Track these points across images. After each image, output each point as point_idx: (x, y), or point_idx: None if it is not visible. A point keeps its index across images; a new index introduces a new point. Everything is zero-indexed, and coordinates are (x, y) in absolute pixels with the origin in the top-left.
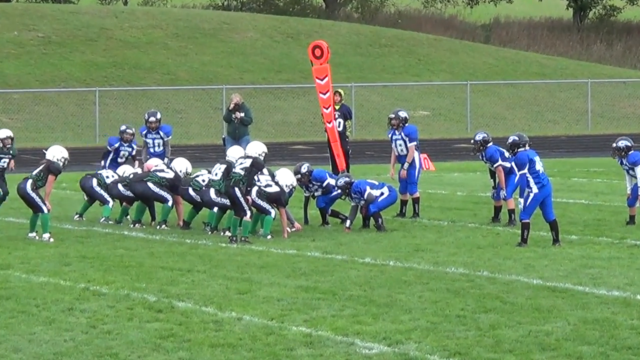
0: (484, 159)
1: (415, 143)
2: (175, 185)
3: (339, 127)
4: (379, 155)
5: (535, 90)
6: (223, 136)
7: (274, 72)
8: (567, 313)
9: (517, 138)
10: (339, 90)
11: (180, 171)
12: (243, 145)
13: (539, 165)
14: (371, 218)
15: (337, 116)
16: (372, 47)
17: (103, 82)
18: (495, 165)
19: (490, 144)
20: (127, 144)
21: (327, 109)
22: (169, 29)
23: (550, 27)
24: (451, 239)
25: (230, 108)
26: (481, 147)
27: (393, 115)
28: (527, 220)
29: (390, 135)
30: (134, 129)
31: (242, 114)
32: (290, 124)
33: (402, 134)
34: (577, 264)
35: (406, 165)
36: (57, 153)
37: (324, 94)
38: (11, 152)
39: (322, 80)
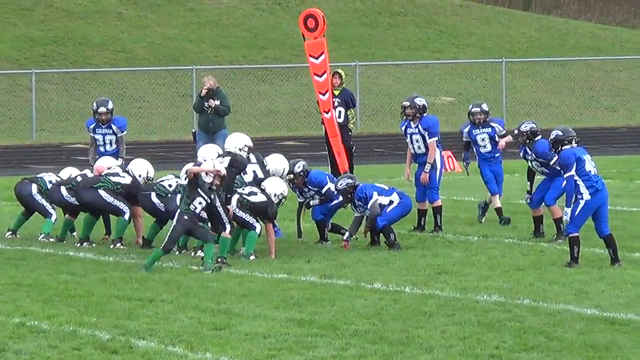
0: (529, 155)
1: (436, 138)
2: (132, 194)
3: (339, 117)
4: (391, 153)
5: (588, 70)
6: (193, 130)
7: (257, 48)
8: (629, 351)
9: (561, 133)
10: (339, 71)
11: (140, 175)
12: (219, 142)
13: (589, 166)
14: (381, 233)
15: (336, 104)
16: (381, 16)
17: (41, 62)
18: (552, 162)
19: (540, 137)
20: (105, 125)
21: (324, 95)
22: None
23: None
24: (483, 258)
25: (202, 95)
26: (527, 140)
27: (408, 103)
28: (576, 234)
29: (403, 128)
30: (111, 105)
31: (217, 102)
32: (278, 114)
33: (420, 126)
34: None
35: (427, 167)
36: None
37: (320, 76)
38: None
39: (317, 58)
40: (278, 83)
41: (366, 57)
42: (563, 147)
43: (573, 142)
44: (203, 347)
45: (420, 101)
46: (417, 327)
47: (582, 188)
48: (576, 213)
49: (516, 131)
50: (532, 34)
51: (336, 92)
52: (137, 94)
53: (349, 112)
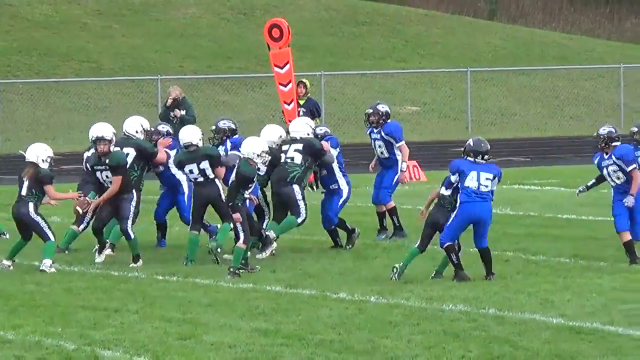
0: (605, 161)
1: (403, 142)
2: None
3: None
4: (356, 163)
5: (553, 79)
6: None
7: (222, 58)
8: None
9: (472, 143)
10: (304, 80)
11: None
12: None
13: (470, 182)
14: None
15: (301, 113)
16: (346, 26)
17: (5, 72)
18: (630, 168)
19: (618, 142)
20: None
21: (289, 104)
22: (89, 4)
23: None
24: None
25: (167, 104)
26: (606, 145)
27: (371, 110)
28: (450, 244)
29: (368, 133)
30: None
31: (183, 112)
32: (243, 124)
33: (382, 132)
34: (607, 297)
35: (404, 165)
36: (40, 153)
37: (285, 86)
38: None
39: (281, 68)
40: (243, 93)
41: (331, 67)
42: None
43: (474, 157)
44: (168, 357)
45: (382, 107)
46: (383, 336)
47: (458, 200)
48: (449, 224)
49: (597, 134)
50: (498, 43)
51: (301, 102)
52: (102, 104)
53: (314, 122)
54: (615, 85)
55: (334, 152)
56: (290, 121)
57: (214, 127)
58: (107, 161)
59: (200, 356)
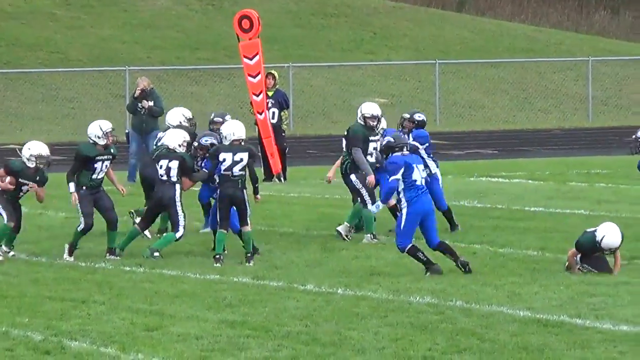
0: None
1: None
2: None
3: (272, 118)
4: (323, 155)
5: (521, 72)
6: (127, 130)
7: (190, 49)
8: (561, 353)
9: (392, 140)
10: (273, 72)
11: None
12: (151, 143)
13: (417, 175)
14: None
15: (270, 105)
16: (314, 17)
17: None
18: None
19: None
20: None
21: (257, 95)
22: None
23: None
24: (416, 260)
25: (135, 95)
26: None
27: (408, 116)
28: (410, 245)
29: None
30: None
31: (151, 103)
32: (210, 116)
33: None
34: (574, 291)
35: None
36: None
37: (254, 77)
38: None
39: (251, 59)
40: (211, 84)
41: (299, 58)
42: (393, 154)
43: (404, 150)
44: (135, 348)
45: (419, 117)
46: (350, 328)
47: (403, 197)
48: (402, 226)
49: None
50: (466, 35)
51: (270, 93)
52: (70, 94)
53: (282, 113)
54: (584, 78)
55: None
56: (258, 112)
57: (196, 143)
58: (112, 150)
59: (167, 347)
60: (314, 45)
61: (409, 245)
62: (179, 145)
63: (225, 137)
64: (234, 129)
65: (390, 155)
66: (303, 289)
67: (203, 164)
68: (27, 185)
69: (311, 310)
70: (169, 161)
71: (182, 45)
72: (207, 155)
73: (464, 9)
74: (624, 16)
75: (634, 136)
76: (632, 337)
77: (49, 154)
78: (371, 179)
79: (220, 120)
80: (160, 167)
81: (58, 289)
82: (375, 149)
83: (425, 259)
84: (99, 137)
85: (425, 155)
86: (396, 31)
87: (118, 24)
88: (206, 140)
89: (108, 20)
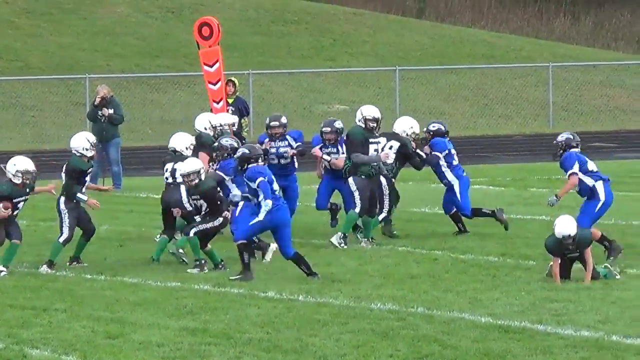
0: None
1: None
2: None
3: (233, 126)
4: None
5: (482, 78)
6: None
7: (150, 57)
8: (523, 359)
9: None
10: (233, 79)
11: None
12: (112, 150)
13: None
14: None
15: (230, 112)
16: (274, 25)
17: None
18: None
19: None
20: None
21: (218, 103)
22: (17, 3)
23: None
24: (376, 266)
25: (95, 103)
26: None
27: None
28: (244, 241)
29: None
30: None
31: (111, 111)
32: (171, 123)
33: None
34: (536, 296)
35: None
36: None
37: (214, 84)
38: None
39: (211, 66)
40: (171, 91)
41: (260, 66)
42: (249, 165)
43: (259, 161)
44: (97, 356)
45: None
46: (311, 335)
47: (262, 204)
48: (251, 223)
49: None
50: (426, 42)
51: (230, 100)
52: (30, 102)
53: (242, 120)
54: (544, 83)
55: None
56: None
57: (216, 144)
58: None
59: (129, 355)
60: (274, 52)
61: (242, 241)
62: (186, 148)
63: None
64: None
65: (246, 166)
66: (264, 296)
67: (218, 166)
68: (22, 201)
69: (272, 317)
70: (174, 164)
71: (142, 52)
72: (227, 156)
73: (423, 16)
74: (584, 22)
75: (554, 141)
76: (593, 343)
77: (34, 169)
78: (384, 155)
79: (277, 124)
80: (166, 170)
81: (19, 297)
82: (376, 150)
83: (247, 262)
84: (87, 149)
85: (444, 164)
86: (356, 38)
87: (78, 32)
88: (226, 142)
89: (68, 28)
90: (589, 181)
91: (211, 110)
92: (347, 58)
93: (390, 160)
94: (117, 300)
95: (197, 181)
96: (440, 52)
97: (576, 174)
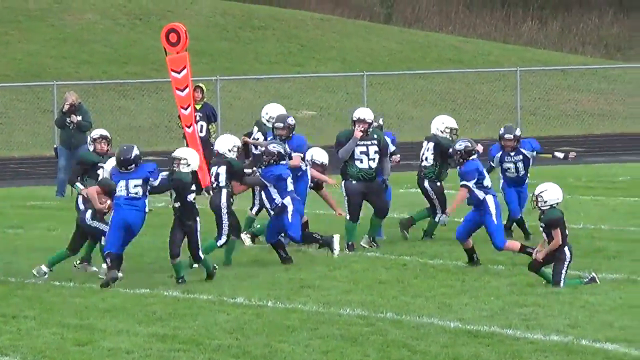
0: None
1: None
2: None
3: (200, 132)
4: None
5: (449, 82)
6: (55, 146)
7: (118, 63)
8: None
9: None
10: (201, 85)
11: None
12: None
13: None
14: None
15: (198, 118)
16: (242, 31)
17: None
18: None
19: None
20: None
21: (185, 109)
22: None
23: (468, 1)
24: (345, 272)
25: (64, 110)
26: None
27: (511, 136)
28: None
29: (499, 160)
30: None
31: (79, 118)
32: (139, 129)
33: (523, 150)
34: (505, 301)
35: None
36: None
37: (182, 91)
38: None
39: (179, 73)
40: (139, 98)
41: (227, 72)
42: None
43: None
44: None
45: (519, 131)
46: (280, 341)
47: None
48: (109, 227)
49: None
50: (394, 47)
51: (198, 107)
52: None
53: (210, 127)
54: (512, 88)
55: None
56: (187, 126)
57: (263, 149)
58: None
59: None
60: (242, 58)
61: (108, 251)
62: (229, 150)
63: None
64: None
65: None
66: (233, 302)
67: (261, 172)
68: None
69: (241, 324)
70: (218, 167)
71: (110, 59)
72: (273, 162)
73: (391, 21)
74: (552, 26)
75: (451, 149)
76: (562, 347)
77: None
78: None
79: (282, 125)
80: (211, 174)
81: None
82: (362, 152)
83: (112, 266)
84: (89, 144)
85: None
86: (324, 43)
87: (45, 39)
88: (274, 148)
89: (35, 35)
90: (480, 194)
91: (179, 117)
92: (315, 64)
93: (429, 161)
94: (87, 307)
95: (184, 169)
96: (408, 57)
97: (467, 186)
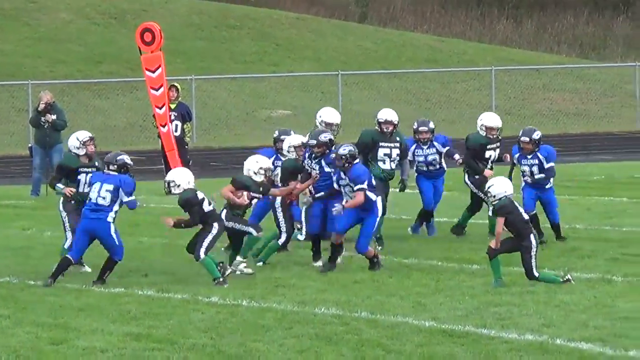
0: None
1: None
2: None
3: (175, 131)
4: (227, 167)
5: (424, 82)
6: (30, 145)
7: (93, 62)
8: None
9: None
10: (176, 84)
11: None
12: (55, 156)
13: (93, 194)
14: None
15: (173, 117)
16: (217, 30)
17: None
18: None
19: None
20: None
21: (160, 108)
22: None
23: (443, 0)
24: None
25: (39, 109)
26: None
27: (527, 139)
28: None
29: (517, 159)
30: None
31: (54, 117)
32: (114, 129)
33: (540, 155)
34: (479, 300)
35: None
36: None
37: (157, 90)
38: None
39: (153, 72)
40: (114, 97)
41: (202, 71)
42: None
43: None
44: None
45: (537, 135)
46: (255, 340)
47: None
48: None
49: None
50: (369, 46)
51: (172, 106)
52: None
53: (185, 126)
54: (487, 87)
55: None
56: (161, 125)
57: (314, 142)
58: (96, 163)
59: None
60: (217, 57)
61: (69, 256)
62: (255, 173)
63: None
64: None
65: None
66: (208, 302)
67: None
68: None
69: (216, 323)
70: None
71: (85, 58)
72: (347, 165)
73: (366, 20)
74: (527, 26)
75: (337, 153)
76: (537, 347)
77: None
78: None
79: (314, 142)
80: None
81: None
82: (386, 155)
83: (58, 271)
84: (78, 148)
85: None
86: (299, 43)
87: (20, 38)
88: (344, 149)
89: (10, 34)
90: (372, 196)
91: (154, 116)
92: (290, 63)
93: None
94: (61, 306)
95: (175, 191)
96: (383, 57)
97: (365, 189)
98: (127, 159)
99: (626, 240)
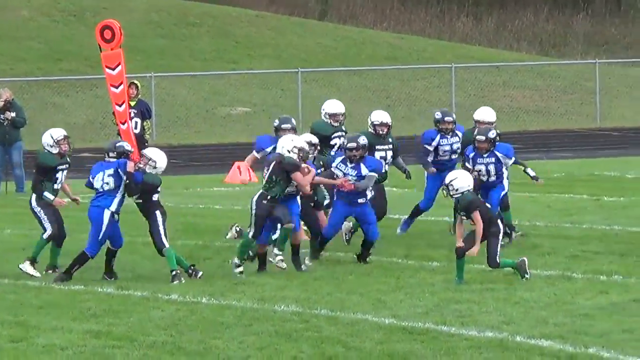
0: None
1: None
2: None
3: (135, 128)
4: (187, 164)
5: (384, 79)
6: None
7: (52, 60)
8: None
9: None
10: (135, 82)
11: None
12: (14, 154)
13: None
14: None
15: (132, 115)
16: (176, 27)
17: None
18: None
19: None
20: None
21: (120, 106)
22: None
23: None
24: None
25: None
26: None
27: (483, 138)
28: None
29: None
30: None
31: (14, 114)
32: (74, 126)
33: (497, 154)
34: (439, 297)
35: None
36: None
37: (117, 87)
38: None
39: (113, 69)
40: (74, 95)
41: (162, 68)
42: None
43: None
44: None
45: (492, 134)
46: (215, 337)
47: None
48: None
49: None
50: (328, 43)
51: (132, 103)
52: None
53: (145, 123)
54: (447, 85)
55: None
56: (121, 122)
57: (354, 144)
58: (67, 159)
59: (32, 359)
60: (177, 55)
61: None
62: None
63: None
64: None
65: None
66: (167, 299)
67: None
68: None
69: (176, 320)
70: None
71: (44, 56)
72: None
73: (326, 18)
74: (487, 23)
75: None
76: (497, 344)
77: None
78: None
79: (289, 127)
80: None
81: None
82: (382, 157)
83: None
84: (51, 146)
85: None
86: (258, 40)
87: None
88: (363, 139)
89: None
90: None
91: (114, 114)
92: (250, 60)
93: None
94: (21, 304)
95: (146, 169)
96: (343, 54)
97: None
98: (126, 145)
99: (586, 238)
